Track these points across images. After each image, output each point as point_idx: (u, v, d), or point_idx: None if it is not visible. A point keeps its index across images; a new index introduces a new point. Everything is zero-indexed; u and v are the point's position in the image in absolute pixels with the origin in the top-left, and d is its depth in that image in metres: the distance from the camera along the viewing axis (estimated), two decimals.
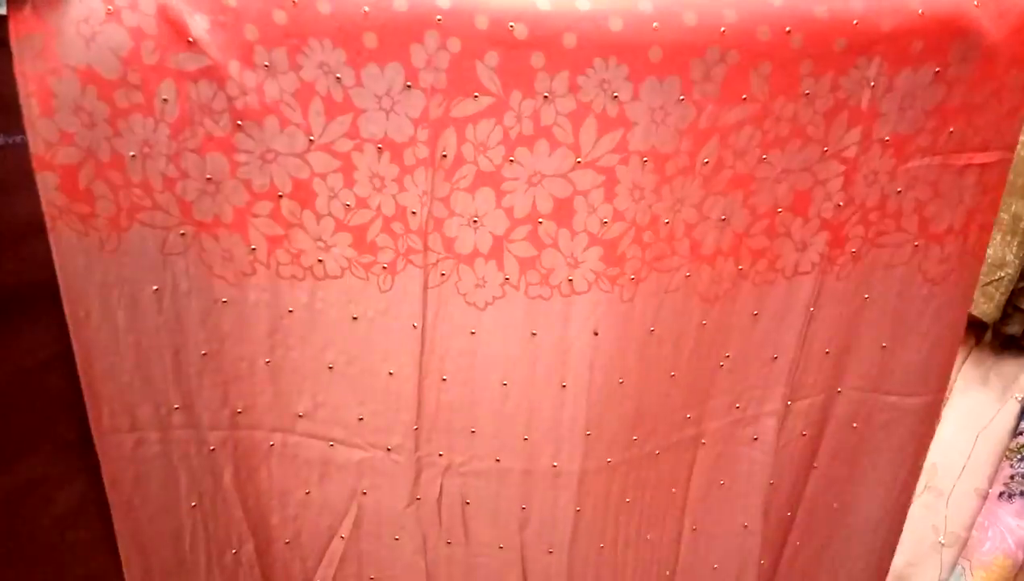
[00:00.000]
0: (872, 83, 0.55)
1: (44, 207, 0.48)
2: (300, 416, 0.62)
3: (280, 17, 0.48)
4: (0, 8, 0.45)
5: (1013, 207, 1.13)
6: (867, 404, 0.70)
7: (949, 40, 0.55)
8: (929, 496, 1.41)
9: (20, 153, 0.46)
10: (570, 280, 0.58)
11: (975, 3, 0.54)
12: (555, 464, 0.65)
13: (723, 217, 0.59)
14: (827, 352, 0.68)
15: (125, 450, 0.56)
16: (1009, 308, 1.19)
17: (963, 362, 1.38)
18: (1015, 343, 1.33)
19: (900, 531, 0.79)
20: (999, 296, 1.16)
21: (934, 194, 0.61)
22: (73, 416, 0.53)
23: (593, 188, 0.55)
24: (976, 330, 1.41)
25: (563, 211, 0.55)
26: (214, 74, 0.49)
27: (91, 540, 0.57)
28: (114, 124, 0.48)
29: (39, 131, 0.46)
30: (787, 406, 0.69)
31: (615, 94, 0.51)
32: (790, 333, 0.66)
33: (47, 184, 0.47)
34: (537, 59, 0.50)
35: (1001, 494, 1.23)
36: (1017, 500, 1.20)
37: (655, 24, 0.50)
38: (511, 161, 0.53)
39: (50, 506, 0.55)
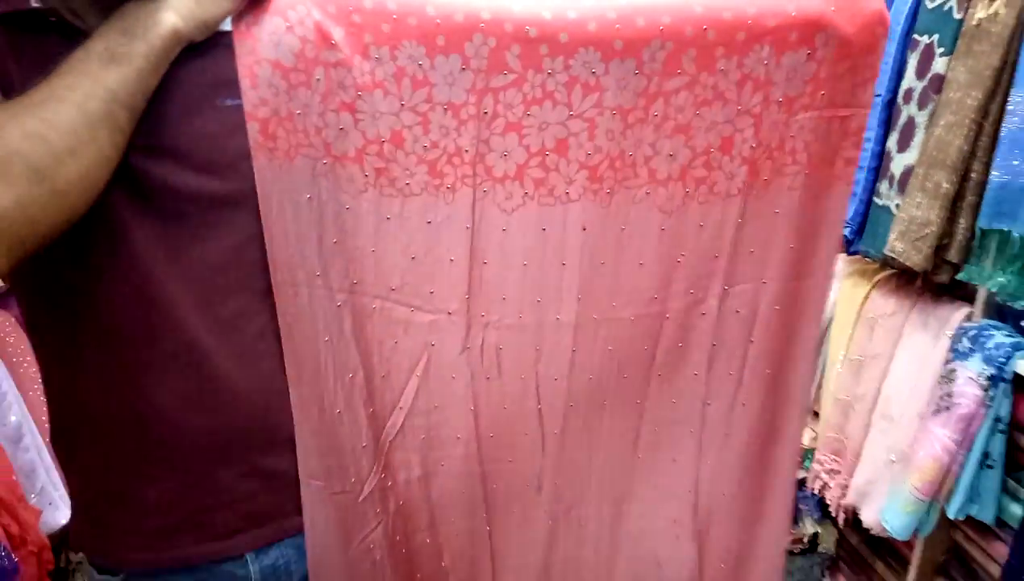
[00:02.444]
0: (765, 61, 0.78)
1: (250, 143, 0.74)
2: (392, 289, 0.81)
3: (385, 28, 0.73)
4: (226, 25, 0.72)
5: (935, 177, 1.34)
6: (784, 290, 0.88)
7: (814, 32, 0.77)
8: (883, 423, 1.61)
9: (239, 110, 0.73)
10: (567, 193, 0.80)
11: (832, 8, 0.78)
12: (558, 318, 0.86)
13: (671, 154, 0.82)
14: (752, 252, 0.86)
15: (289, 296, 0.78)
16: (937, 259, 1.39)
17: (909, 312, 1.58)
18: (946, 290, 1.54)
19: (812, 382, 0.99)
20: (926, 249, 1.35)
21: (814, 138, 0.82)
22: (265, 273, 0.76)
23: (580, 131, 0.77)
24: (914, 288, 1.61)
25: (562, 147, 0.78)
26: (345, 63, 0.73)
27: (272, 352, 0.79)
28: (289, 93, 0.73)
29: (248, 97, 0.71)
30: (725, 290, 0.88)
31: (593, 70, 0.75)
32: (726, 239, 0.86)
33: (253, 129, 0.72)
34: (544, 48, 0.73)
35: (934, 411, 1.42)
36: (943, 414, 1.39)
37: (617, 26, 0.74)
38: (528, 114, 0.77)
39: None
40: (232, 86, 0.69)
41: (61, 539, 1.50)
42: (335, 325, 0.82)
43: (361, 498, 0.88)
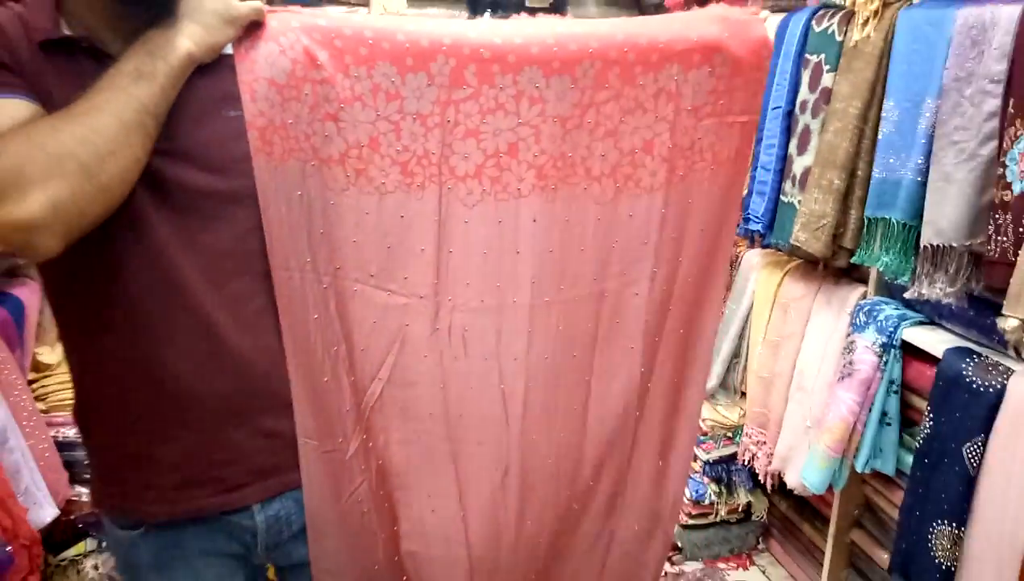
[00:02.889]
0: (676, 77, 0.94)
1: (251, 147, 0.85)
2: (371, 275, 0.91)
3: (362, 51, 0.86)
4: (229, 49, 0.85)
5: (828, 175, 1.54)
6: (695, 265, 1.02)
7: (713, 53, 0.93)
8: (799, 394, 1.80)
9: (241, 120, 0.85)
10: (519, 189, 0.92)
11: (726, 34, 0.95)
12: (515, 300, 0.96)
13: (603, 154, 0.97)
14: (673, 237, 1.00)
15: (283, 279, 0.89)
16: (835, 247, 1.58)
17: (816, 295, 1.78)
18: (845, 274, 1.74)
19: (714, 342, 1.11)
20: (825, 238, 1.54)
21: (718, 139, 0.98)
22: (264, 258, 0.86)
23: (528, 136, 0.90)
24: (818, 274, 1.81)
25: (513, 150, 0.91)
26: (329, 81, 0.85)
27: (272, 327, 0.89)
28: (282, 106, 0.84)
29: (248, 109, 0.83)
30: (653, 272, 1.00)
31: (537, 85, 0.88)
32: (652, 226, 0.98)
33: (252, 136, 0.83)
34: (495, 68, 0.86)
35: (839, 379, 1.61)
36: (847, 379, 1.58)
37: (555, 48, 0.88)
38: (484, 122, 0.89)
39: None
40: (235, 100, 0.82)
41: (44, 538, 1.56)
42: (322, 305, 0.93)
43: (348, 456, 0.99)
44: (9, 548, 1.32)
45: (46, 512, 1.52)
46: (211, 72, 0.82)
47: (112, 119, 0.71)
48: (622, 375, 1.05)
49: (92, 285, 0.82)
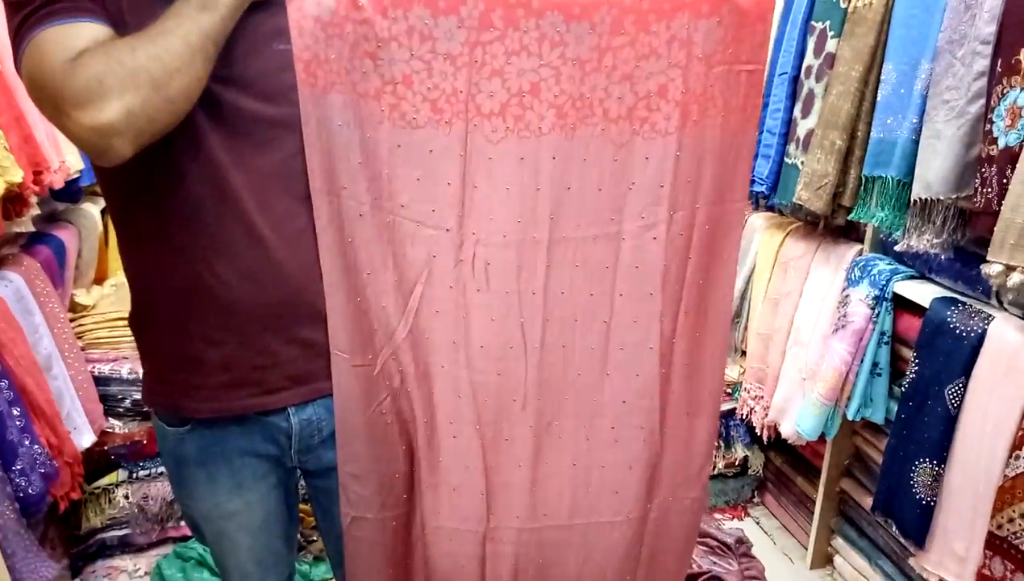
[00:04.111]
0: (687, 26, 0.99)
1: (297, 78, 0.93)
2: (402, 206, 0.97)
3: None
4: None
5: (831, 137, 1.60)
6: (712, 212, 1.04)
7: (720, 4, 0.98)
8: (796, 349, 1.87)
9: (289, 53, 0.94)
10: (540, 127, 0.98)
11: None
12: (535, 236, 1.00)
13: (620, 97, 1.03)
14: (688, 181, 1.03)
15: (323, 203, 0.96)
16: (835, 205, 1.65)
17: (815, 253, 1.85)
18: (843, 233, 1.81)
19: (733, 286, 1.12)
20: (826, 196, 1.61)
21: (727, 87, 1.02)
22: (306, 182, 0.93)
23: (549, 77, 0.97)
24: (818, 233, 1.87)
25: (535, 89, 0.97)
26: (369, 21, 0.91)
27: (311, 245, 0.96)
28: (326, 43, 0.91)
29: (296, 44, 0.89)
30: (671, 216, 1.03)
31: (558, 29, 0.95)
32: (667, 168, 1.01)
33: (299, 68, 0.90)
34: (520, 12, 0.92)
35: (834, 330, 1.69)
36: (840, 331, 1.65)
37: None
38: (508, 63, 0.97)
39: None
40: (285, 34, 0.89)
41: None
42: (357, 230, 1.00)
43: (375, 371, 1.06)
44: (56, 463, 1.42)
45: (85, 437, 1.62)
46: (265, 8, 0.89)
47: (180, 42, 0.79)
48: (642, 323, 1.07)
49: (154, 197, 0.90)
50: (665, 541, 1.20)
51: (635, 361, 1.08)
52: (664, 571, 1.23)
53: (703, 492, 1.20)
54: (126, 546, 2.06)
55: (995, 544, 1.28)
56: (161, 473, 1.97)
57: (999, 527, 1.26)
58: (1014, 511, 1.24)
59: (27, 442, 1.34)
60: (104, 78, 0.75)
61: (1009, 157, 1.17)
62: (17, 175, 1.35)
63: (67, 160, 1.59)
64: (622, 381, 1.09)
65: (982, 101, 1.23)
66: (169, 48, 0.78)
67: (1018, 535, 1.23)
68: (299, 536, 2.03)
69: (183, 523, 2.06)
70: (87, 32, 0.78)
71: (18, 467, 1.30)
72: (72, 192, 1.76)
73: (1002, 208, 1.17)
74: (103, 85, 0.75)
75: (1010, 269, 1.16)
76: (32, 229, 1.77)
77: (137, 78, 0.76)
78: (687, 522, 1.20)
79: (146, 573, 2.02)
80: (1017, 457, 1.23)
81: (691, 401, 1.14)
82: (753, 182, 1.89)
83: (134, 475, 1.97)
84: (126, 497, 1.96)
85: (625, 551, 1.18)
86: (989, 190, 1.20)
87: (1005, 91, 1.18)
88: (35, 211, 1.54)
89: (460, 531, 1.14)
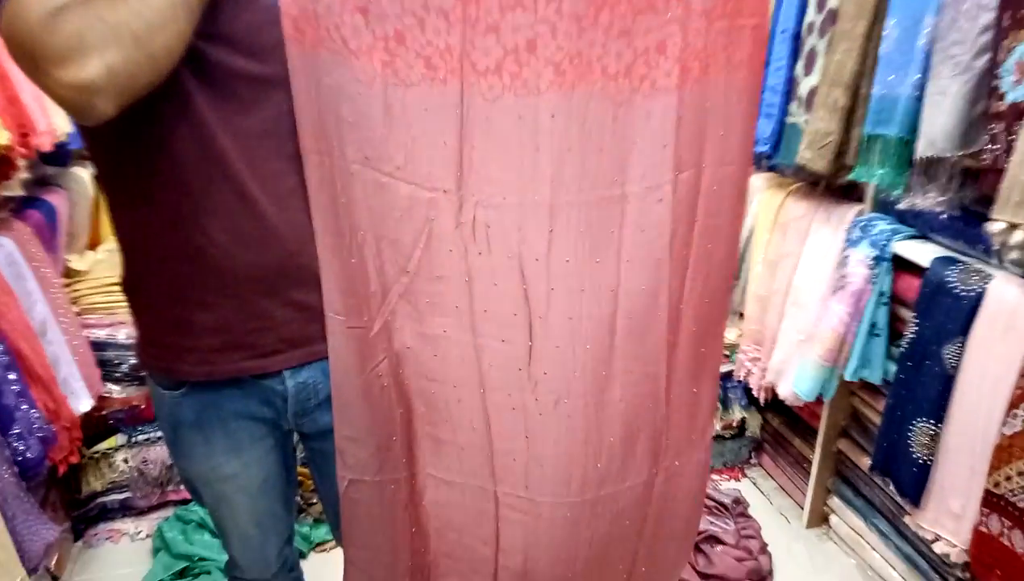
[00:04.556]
0: None
1: (284, 35, 0.90)
2: (398, 167, 0.94)
3: None
4: None
5: (834, 94, 1.57)
6: (718, 173, 1.01)
7: None
8: (794, 310, 1.87)
9: (276, 8, 0.89)
10: (537, 86, 0.94)
11: None
12: (535, 199, 0.96)
13: (618, 53, 1.00)
14: (692, 141, 0.98)
15: (313, 163, 0.93)
16: (837, 165, 1.63)
17: (815, 214, 1.83)
18: (844, 194, 1.80)
19: (738, 250, 1.13)
20: (829, 155, 1.58)
21: (728, 42, 0.99)
22: (296, 141, 0.92)
23: (545, 33, 0.93)
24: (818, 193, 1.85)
25: (531, 46, 0.94)
26: None
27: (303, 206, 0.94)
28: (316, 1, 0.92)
29: (284, 2, 0.90)
30: (676, 177, 0.98)
31: None
32: (669, 127, 0.97)
33: (286, 24, 0.88)
34: None
35: (832, 291, 1.68)
36: (839, 292, 1.64)
37: None
38: (502, 19, 0.93)
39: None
40: None
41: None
42: (350, 190, 0.97)
43: (372, 334, 1.05)
44: (53, 428, 1.42)
45: (82, 402, 1.62)
46: None
47: None
48: (650, 289, 1.04)
49: (141, 159, 0.88)
50: (672, 504, 1.20)
51: (643, 329, 1.06)
52: (671, 534, 1.24)
53: (707, 453, 1.20)
54: (127, 509, 2.08)
55: (992, 502, 1.28)
56: (160, 437, 1.98)
57: (996, 485, 1.27)
58: (1011, 469, 1.24)
59: (24, 406, 1.34)
60: (84, 34, 0.72)
61: (1017, 113, 1.15)
62: (3, 137, 1.33)
63: (54, 122, 1.56)
64: (630, 351, 1.06)
65: (988, 56, 1.20)
66: (151, 3, 0.75)
67: (1015, 492, 1.24)
68: (299, 499, 2.05)
69: (183, 487, 2.08)
70: None
71: (16, 431, 1.30)
72: (61, 156, 1.73)
73: (1008, 165, 1.15)
74: (83, 41, 0.72)
75: (1014, 227, 1.14)
76: (21, 194, 1.74)
77: (118, 33, 0.73)
78: (694, 485, 1.20)
79: (148, 535, 2.05)
80: (1014, 415, 1.23)
81: (696, 367, 1.13)
82: (756, 142, 1.86)
83: (133, 439, 1.98)
84: (125, 461, 1.97)
85: (631, 516, 1.18)
86: (996, 147, 1.18)
87: (1013, 45, 1.15)
88: (23, 175, 1.52)
89: (470, 486, 1.13)
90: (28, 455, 1.32)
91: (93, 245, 2.13)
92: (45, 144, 1.50)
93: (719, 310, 1.12)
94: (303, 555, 2.00)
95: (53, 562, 1.69)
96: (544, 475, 1.11)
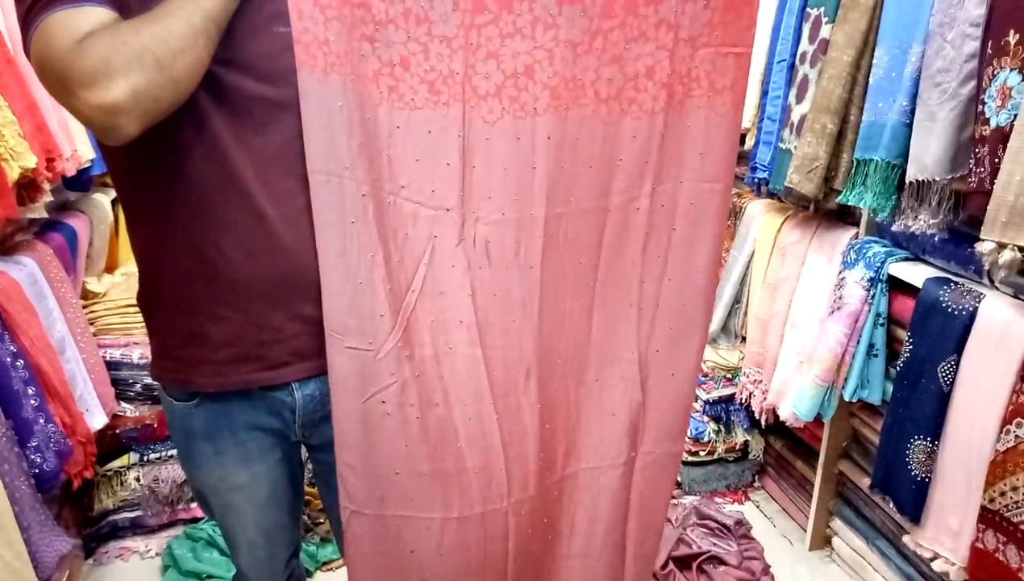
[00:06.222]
0: (675, 9, 1.00)
1: (296, 60, 0.96)
2: (402, 186, 0.98)
3: None
4: None
5: (822, 120, 1.61)
6: (695, 189, 1.08)
7: None
8: (793, 331, 1.89)
9: (289, 35, 0.94)
10: (535, 108, 1.00)
11: None
12: (532, 213, 1.03)
13: (609, 78, 1.05)
14: (672, 157, 1.06)
15: (321, 182, 0.96)
16: (826, 189, 1.67)
17: (811, 238, 1.86)
18: (839, 218, 1.83)
19: (719, 261, 1.16)
20: (817, 180, 1.62)
21: (713, 68, 1.04)
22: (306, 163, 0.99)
23: (543, 59, 0.98)
24: (815, 218, 1.88)
25: (529, 71, 0.99)
26: (366, 4, 0.92)
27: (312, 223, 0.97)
28: (325, 25, 0.92)
29: (296, 26, 0.90)
30: (653, 189, 1.07)
31: (551, 12, 0.96)
32: (653, 147, 1.05)
33: (298, 50, 0.93)
34: None
35: (830, 313, 1.70)
36: (836, 313, 1.67)
37: None
38: (503, 45, 0.99)
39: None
40: (284, 17, 0.91)
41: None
42: (360, 211, 1.00)
43: (378, 358, 1.04)
44: (70, 442, 1.45)
45: (97, 419, 1.65)
46: None
47: (183, 23, 0.81)
48: (623, 285, 1.12)
49: (159, 177, 0.93)
50: (650, 493, 1.24)
51: (615, 317, 1.13)
52: (649, 525, 1.27)
53: (682, 447, 1.26)
54: (137, 527, 2.10)
55: (988, 517, 1.29)
56: (171, 456, 2.01)
57: (991, 500, 1.28)
58: (1006, 484, 1.25)
59: (42, 420, 1.38)
60: (110, 58, 0.77)
61: (1000, 137, 1.18)
62: (31, 161, 1.39)
63: (78, 149, 1.62)
64: (604, 335, 1.14)
65: (973, 83, 1.24)
66: (173, 29, 0.80)
67: (1010, 508, 1.24)
68: (306, 518, 2.06)
69: (193, 505, 2.10)
70: (93, 16, 0.81)
71: (33, 444, 1.33)
72: (83, 181, 1.79)
73: (994, 187, 1.18)
74: (109, 65, 0.77)
75: (1002, 246, 1.17)
76: (45, 216, 1.80)
77: (142, 58, 0.78)
78: (668, 475, 1.26)
79: (157, 553, 2.06)
80: (1008, 431, 1.25)
81: (674, 362, 1.18)
82: (756, 169, 1.90)
83: (145, 458, 2.01)
84: (137, 479, 2.00)
85: (613, 498, 1.22)
86: (982, 170, 1.21)
87: (996, 72, 1.19)
88: (48, 198, 1.58)
89: (488, 513, 1.14)
90: (45, 467, 1.35)
91: (110, 268, 2.19)
92: (69, 169, 1.56)
93: (699, 314, 1.17)
94: (310, 573, 2.02)
95: (64, 578, 1.71)
96: (542, 464, 1.15)
